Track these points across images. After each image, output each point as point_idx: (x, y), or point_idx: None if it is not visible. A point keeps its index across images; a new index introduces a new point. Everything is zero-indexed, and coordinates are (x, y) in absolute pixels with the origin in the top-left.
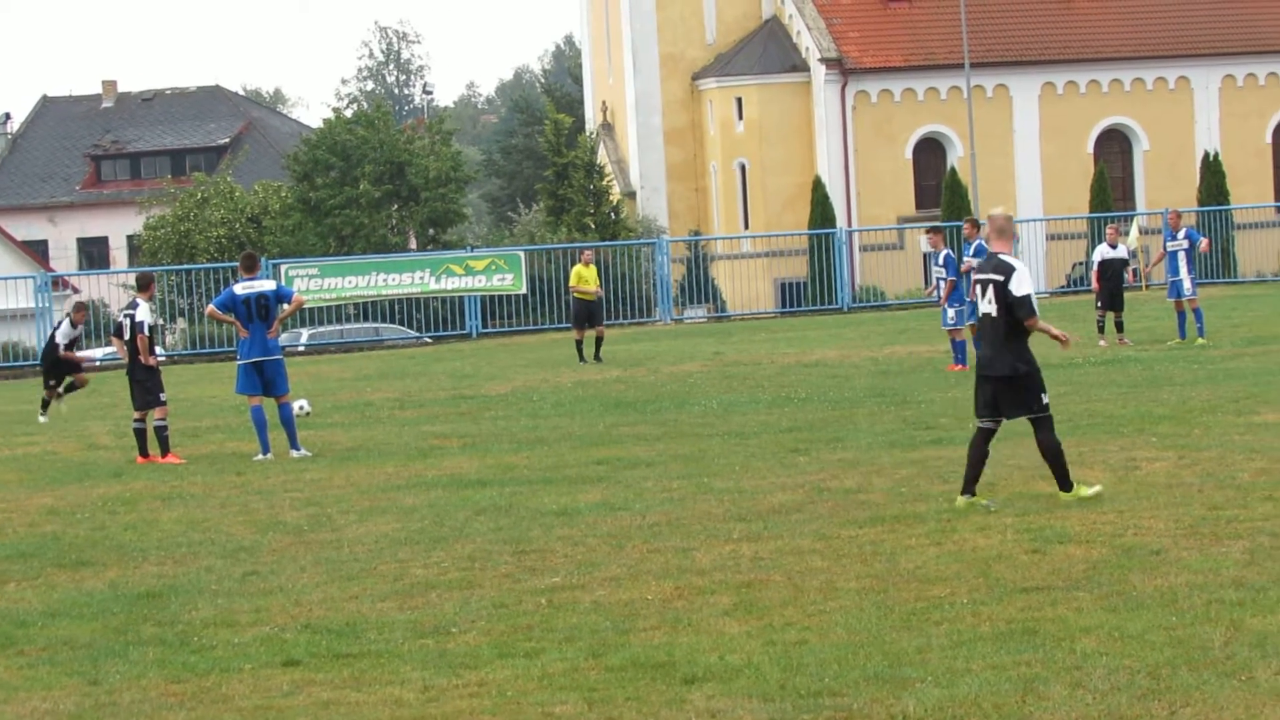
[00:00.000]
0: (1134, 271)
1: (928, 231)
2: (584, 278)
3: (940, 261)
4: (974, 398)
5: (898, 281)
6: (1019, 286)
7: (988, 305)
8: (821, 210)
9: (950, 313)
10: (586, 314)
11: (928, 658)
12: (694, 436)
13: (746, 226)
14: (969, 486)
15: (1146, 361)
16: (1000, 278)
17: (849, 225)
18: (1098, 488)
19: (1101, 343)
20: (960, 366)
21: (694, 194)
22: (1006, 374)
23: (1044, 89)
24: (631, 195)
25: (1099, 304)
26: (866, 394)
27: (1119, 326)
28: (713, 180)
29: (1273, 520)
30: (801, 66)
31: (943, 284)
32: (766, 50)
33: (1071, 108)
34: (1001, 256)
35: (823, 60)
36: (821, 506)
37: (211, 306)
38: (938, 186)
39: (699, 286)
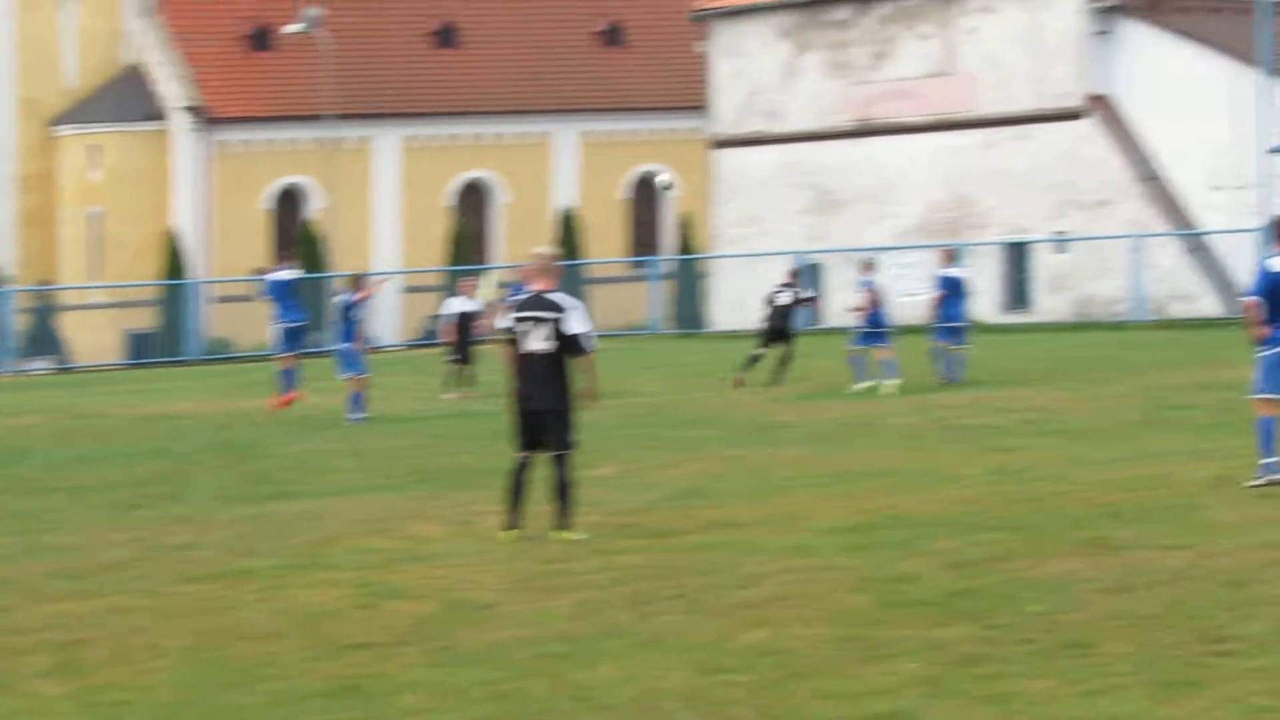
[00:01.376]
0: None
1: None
2: None
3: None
4: (514, 430)
5: (251, 333)
6: (577, 324)
7: (540, 343)
8: (174, 260)
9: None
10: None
11: (253, 716)
12: (31, 493)
13: (100, 277)
14: (514, 520)
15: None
16: (554, 315)
17: (202, 276)
18: (584, 535)
19: (447, 396)
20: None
21: (45, 242)
22: (553, 408)
23: (405, 141)
24: None
25: (454, 357)
26: (209, 447)
27: (471, 379)
28: (64, 229)
29: (601, 573)
30: (161, 115)
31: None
32: (126, 97)
33: (433, 160)
34: (550, 295)
35: (185, 109)
36: (153, 563)
37: None
38: (294, 238)
39: (45, 337)
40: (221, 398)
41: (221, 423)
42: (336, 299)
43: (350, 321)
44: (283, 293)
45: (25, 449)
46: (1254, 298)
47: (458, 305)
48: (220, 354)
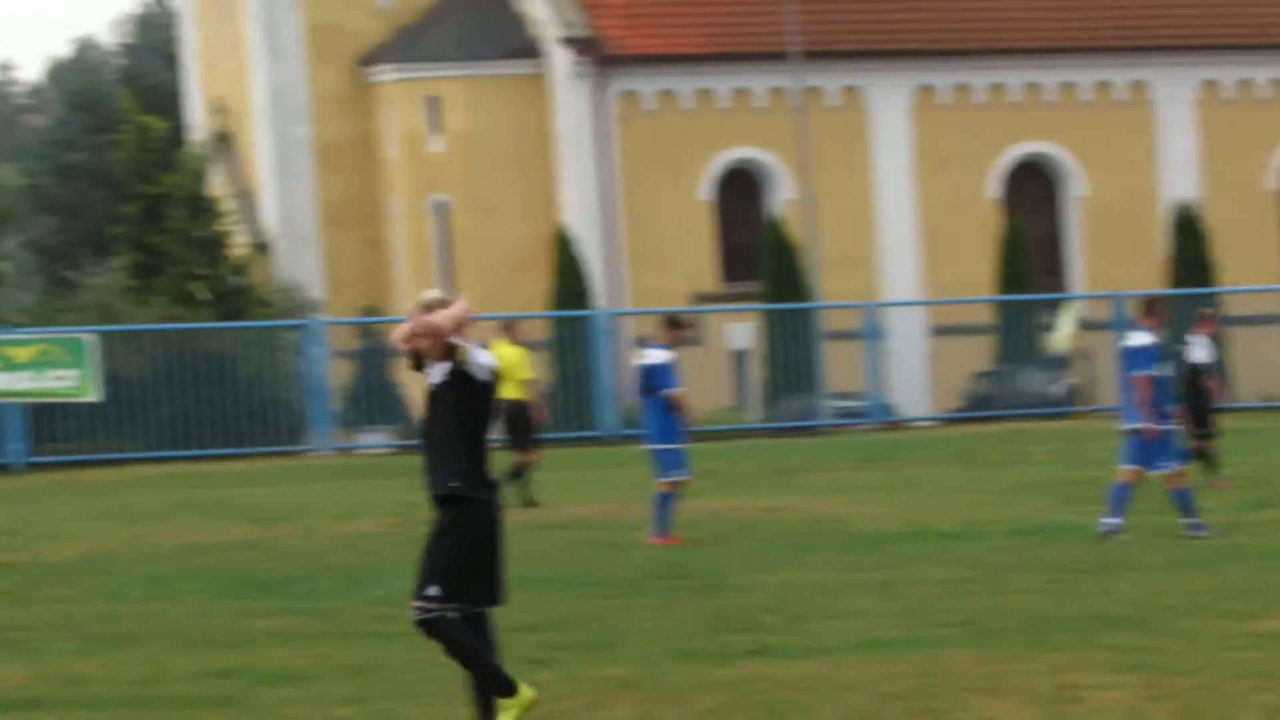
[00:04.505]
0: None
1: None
2: (503, 363)
3: None
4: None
5: (695, 394)
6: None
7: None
8: (570, 280)
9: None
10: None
11: None
12: (371, 636)
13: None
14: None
15: (1083, 530)
16: None
17: (616, 305)
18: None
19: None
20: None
21: (368, 249)
22: None
23: (918, 96)
24: (264, 248)
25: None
26: (652, 573)
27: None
28: (395, 228)
29: None
30: (532, 49)
31: None
32: (474, 22)
33: (964, 126)
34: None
35: (567, 41)
36: None
37: None
38: (754, 247)
39: (379, 396)
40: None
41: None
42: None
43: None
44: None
45: (358, 569)
46: None
47: (1192, 352)
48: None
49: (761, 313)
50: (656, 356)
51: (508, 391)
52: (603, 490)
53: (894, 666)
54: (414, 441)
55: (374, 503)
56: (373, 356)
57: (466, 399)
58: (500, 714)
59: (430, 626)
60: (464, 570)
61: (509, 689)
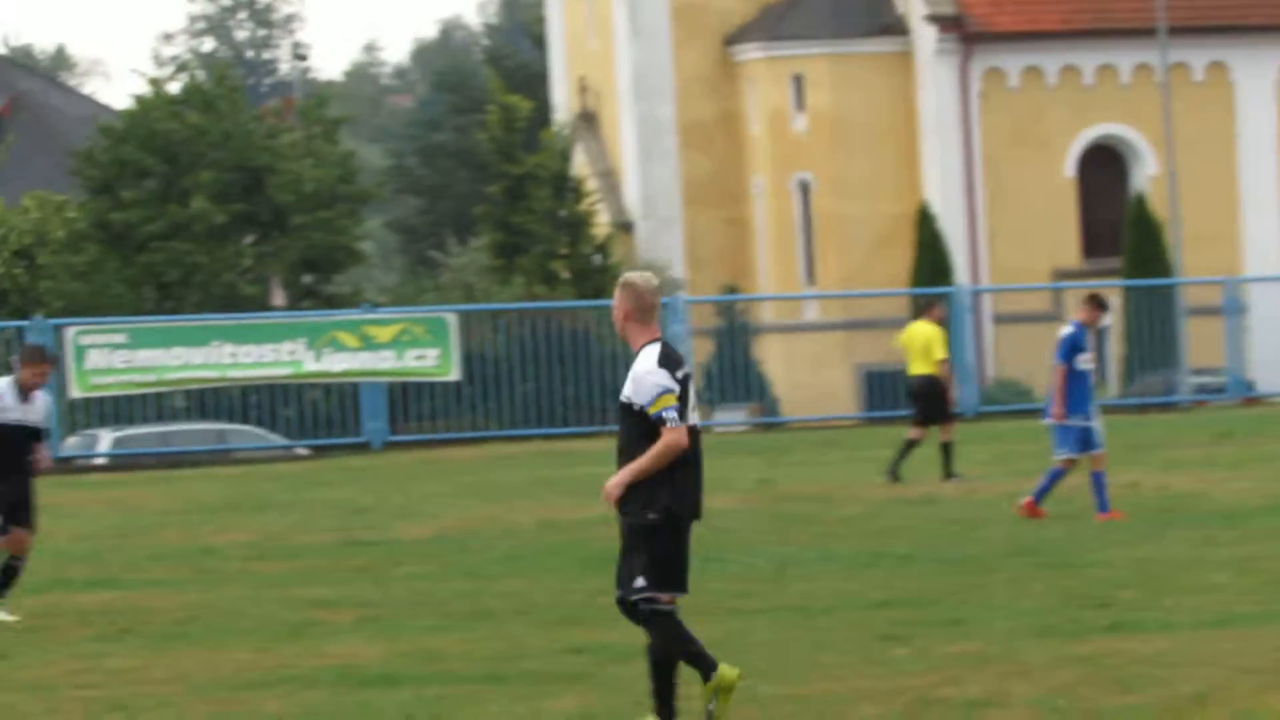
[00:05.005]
0: None
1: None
2: (915, 340)
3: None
4: (670, 560)
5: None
6: None
7: (694, 414)
8: (931, 257)
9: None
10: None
11: None
12: (728, 612)
13: (812, 281)
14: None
15: None
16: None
17: (975, 282)
18: None
19: None
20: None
21: (729, 228)
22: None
23: None
24: (627, 228)
25: None
26: (1005, 550)
27: None
28: (758, 207)
29: None
30: (897, 28)
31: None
32: (839, 1)
33: None
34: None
35: (932, 19)
36: None
37: None
38: (1116, 223)
39: (738, 375)
40: (1010, 473)
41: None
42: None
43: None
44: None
45: (715, 547)
46: None
47: None
48: (1007, 405)
49: (1122, 289)
50: (1064, 330)
51: (919, 367)
52: (961, 467)
53: (1250, 641)
54: (772, 419)
55: (731, 479)
56: (733, 335)
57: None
58: (709, 695)
59: (644, 617)
60: (667, 561)
61: (712, 667)
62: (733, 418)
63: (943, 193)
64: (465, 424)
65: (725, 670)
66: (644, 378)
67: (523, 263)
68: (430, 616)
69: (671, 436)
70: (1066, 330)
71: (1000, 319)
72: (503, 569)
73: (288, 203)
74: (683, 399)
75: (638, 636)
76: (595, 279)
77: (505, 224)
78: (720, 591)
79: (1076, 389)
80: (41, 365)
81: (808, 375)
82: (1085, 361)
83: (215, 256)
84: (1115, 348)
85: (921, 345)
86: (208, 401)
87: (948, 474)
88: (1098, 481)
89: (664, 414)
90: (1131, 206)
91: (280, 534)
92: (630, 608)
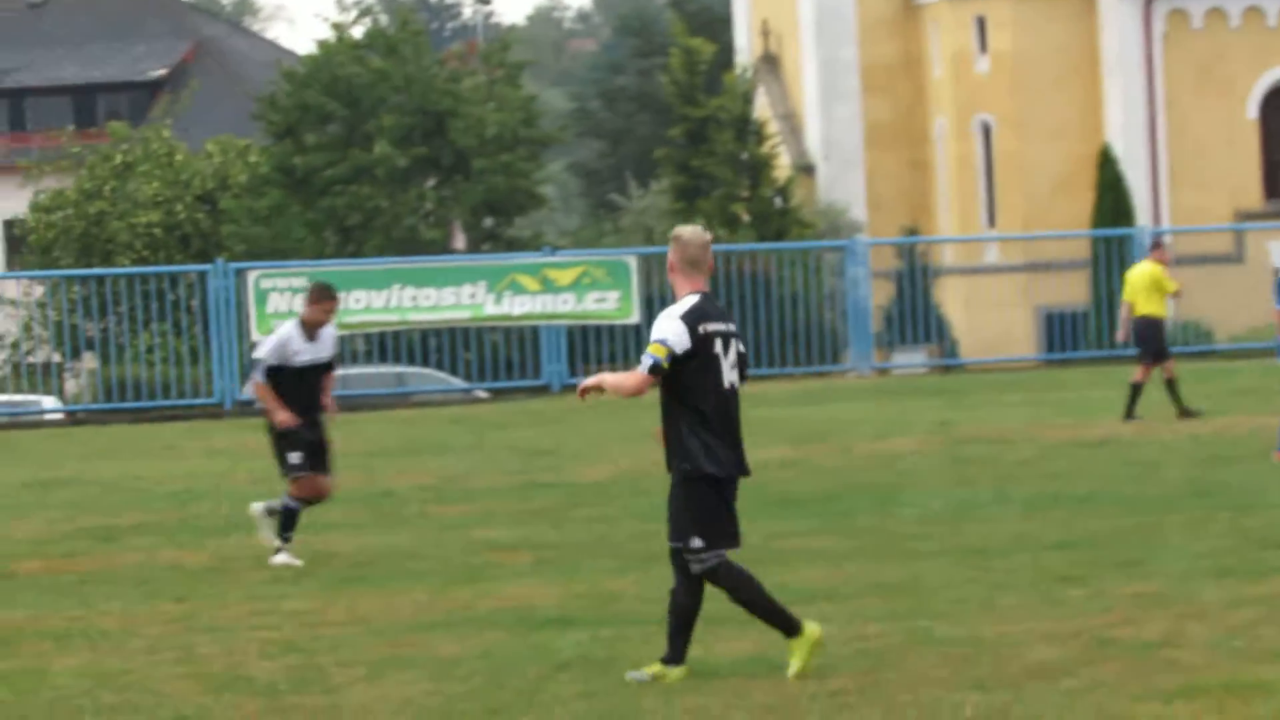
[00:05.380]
0: None
1: None
2: (1140, 281)
3: None
4: (716, 517)
5: (1233, 313)
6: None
7: (731, 373)
8: (1113, 199)
9: None
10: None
11: None
12: (905, 555)
13: (993, 224)
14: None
15: None
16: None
17: (1156, 223)
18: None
19: None
20: None
21: (909, 170)
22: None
23: None
24: (808, 170)
25: None
26: (1183, 491)
27: None
28: (939, 149)
29: None
30: None
31: None
32: None
33: None
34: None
35: None
36: (1107, 668)
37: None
38: None
39: (917, 317)
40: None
41: (1199, 453)
42: None
43: None
44: None
45: (893, 489)
46: None
47: None
48: (1189, 346)
49: None
50: None
51: (1144, 308)
52: (1140, 408)
53: None
54: (951, 361)
55: (910, 422)
56: (913, 277)
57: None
58: (791, 656)
59: (710, 576)
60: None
61: (795, 627)
62: (912, 360)
63: (1124, 134)
64: None
65: (810, 628)
66: (658, 323)
67: (704, 205)
68: (606, 559)
69: (636, 379)
70: None
71: (1181, 261)
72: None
73: (469, 147)
74: (715, 355)
75: (817, 578)
76: (776, 222)
77: (686, 167)
78: (898, 534)
79: None
80: (330, 302)
81: (987, 317)
82: None
83: (397, 200)
84: None
85: (1146, 286)
86: (388, 344)
87: (1183, 412)
88: None
89: (644, 357)
90: None
91: (458, 477)
92: (681, 559)
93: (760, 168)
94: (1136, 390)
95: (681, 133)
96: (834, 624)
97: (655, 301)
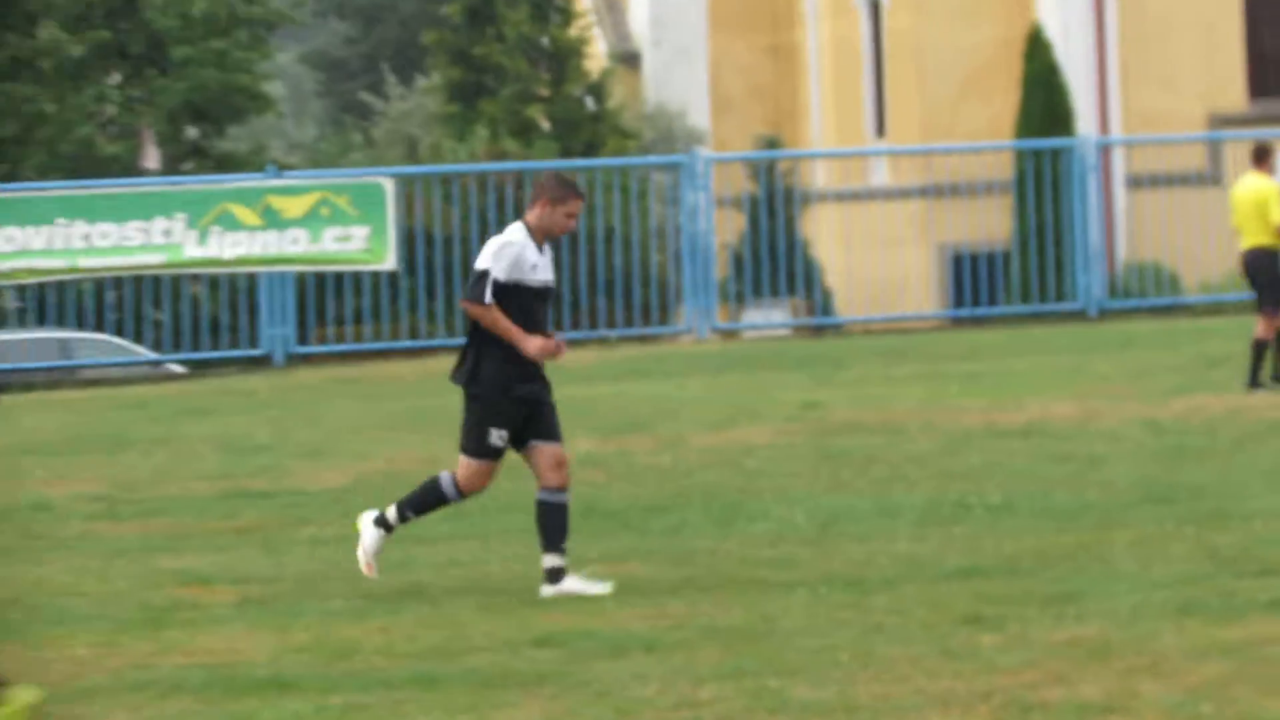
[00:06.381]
0: None
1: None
2: (1246, 200)
3: None
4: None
5: (1205, 254)
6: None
7: None
8: (1045, 100)
9: None
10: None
11: None
12: (753, 587)
13: (882, 133)
14: None
15: None
16: None
17: (1104, 132)
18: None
19: None
20: None
21: (769, 61)
22: None
23: None
24: (632, 61)
25: None
26: (1135, 498)
27: None
28: (810, 32)
29: None
30: None
31: None
32: None
33: None
34: None
35: None
36: None
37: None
38: None
39: (777, 260)
40: (1145, 391)
41: (1155, 444)
42: None
43: None
44: None
45: (739, 496)
46: None
47: None
48: (1146, 298)
49: None
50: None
51: (1254, 238)
52: (1076, 384)
53: None
54: (823, 320)
55: (764, 404)
56: (771, 205)
57: None
58: None
59: None
60: None
61: None
62: (769, 318)
63: (1061, 10)
64: (401, 331)
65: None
66: None
67: (488, 109)
68: (341, 597)
69: None
70: None
71: (1137, 181)
72: (446, 529)
73: (168, 30)
74: None
75: (631, 621)
76: (587, 130)
77: (465, 56)
78: (744, 558)
79: None
80: (578, 201)
81: (873, 260)
82: None
83: (67, 104)
84: None
85: (1255, 207)
86: (49, 301)
87: (1253, 382)
88: None
89: None
90: None
91: (139, 483)
92: None
93: (566, 58)
94: (1260, 349)
95: (458, 10)
96: (652, 684)
97: (418, 239)
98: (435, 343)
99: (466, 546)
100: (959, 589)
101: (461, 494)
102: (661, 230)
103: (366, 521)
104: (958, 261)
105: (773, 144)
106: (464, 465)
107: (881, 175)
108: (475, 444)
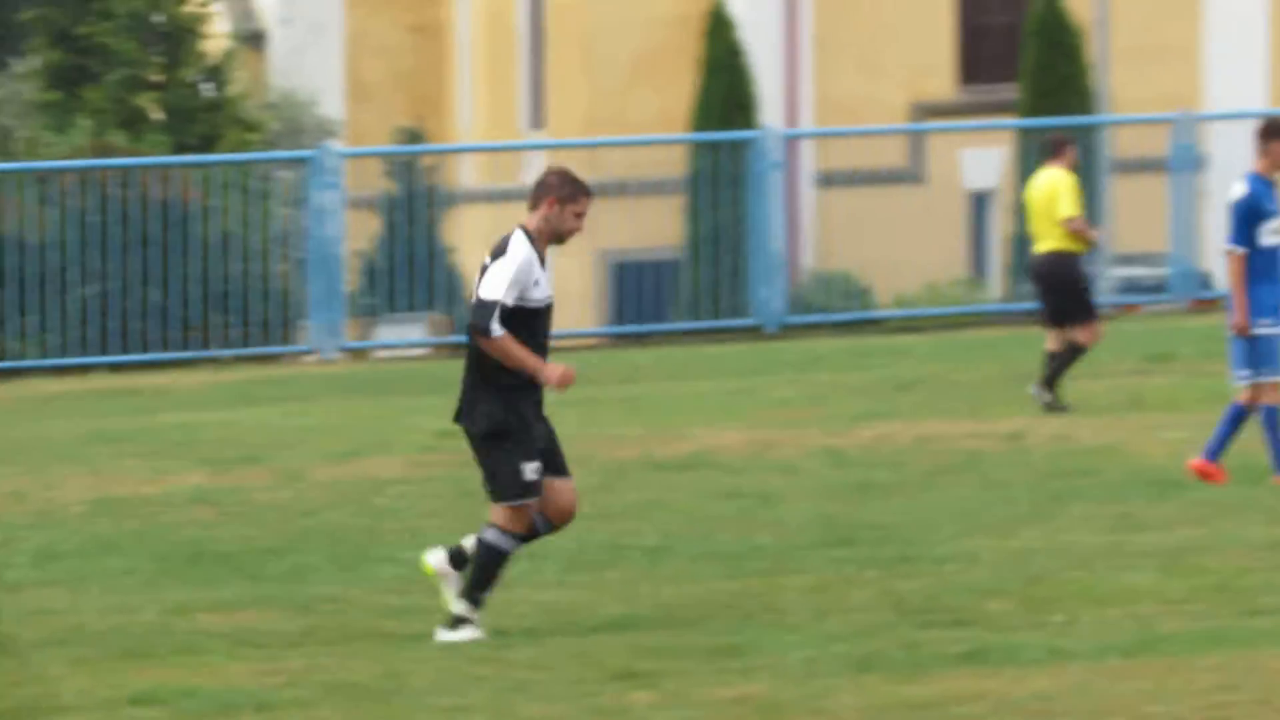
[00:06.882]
0: None
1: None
2: (1041, 198)
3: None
4: None
5: (903, 262)
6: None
7: None
8: (726, 86)
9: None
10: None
11: None
12: (380, 640)
13: (540, 125)
14: None
15: None
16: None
17: (792, 123)
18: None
19: None
20: None
21: (412, 41)
22: None
23: None
24: (256, 41)
25: None
26: (812, 538)
27: None
28: (459, 9)
29: None
30: None
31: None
32: None
33: None
34: None
35: None
36: None
37: None
38: (1012, 33)
39: (416, 269)
40: (827, 418)
41: (837, 477)
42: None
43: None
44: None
45: (370, 534)
46: None
47: None
48: (832, 313)
49: (1016, 133)
50: (1235, 192)
51: (1047, 241)
52: (751, 410)
53: (1177, 676)
54: (465, 338)
55: (397, 433)
56: (411, 207)
57: None
58: None
59: None
60: None
61: None
62: (404, 336)
63: None
64: None
65: None
66: None
67: (93, 96)
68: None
69: None
70: (1239, 192)
71: (828, 179)
72: (32, 575)
73: None
74: None
75: (244, 679)
76: (203, 121)
77: (67, 36)
78: (371, 607)
79: (1263, 276)
80: (588, 199)
81: None
82: (1272, 233)
83: None
84: (1001, 225)
85: (1049, 203)
86: None
87: (1050, 397)
88: (1271, 423)
89: None
90: (1036, 7)
91: None
92: None
93: (181, 38)
94: (1064, 361)
95: None
96: None
97: (8, 248)
98: (24, 364)
99: (56, 593)
100: (611, 641)
101: (523, 538)
102: (285, 235)
103: (455, 636)
104: (620, 271)
105: (415, 137)
106: (499, 514)
107: (537, 172)
108: (509, 486)
